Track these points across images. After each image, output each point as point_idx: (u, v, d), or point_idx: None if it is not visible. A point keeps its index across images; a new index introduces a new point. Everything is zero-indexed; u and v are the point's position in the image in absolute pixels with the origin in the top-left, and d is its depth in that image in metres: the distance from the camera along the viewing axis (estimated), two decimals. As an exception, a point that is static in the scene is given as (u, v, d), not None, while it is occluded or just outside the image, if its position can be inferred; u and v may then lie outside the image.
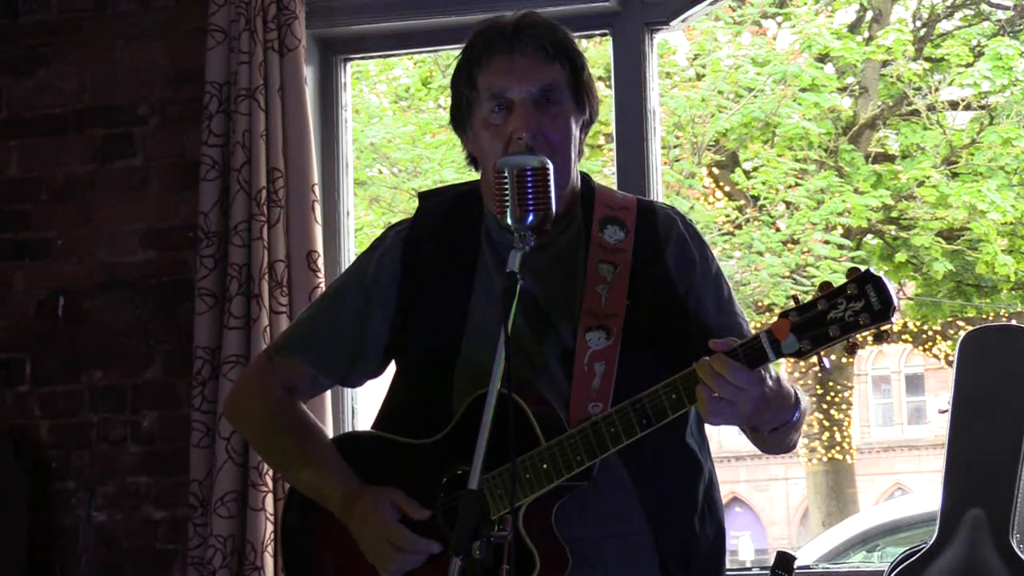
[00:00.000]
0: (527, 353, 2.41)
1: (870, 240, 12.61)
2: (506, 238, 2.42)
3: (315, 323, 2.63)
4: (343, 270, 4.15)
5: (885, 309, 2.12)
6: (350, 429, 4.09)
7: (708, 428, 2.50)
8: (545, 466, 2.32)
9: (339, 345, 2.58)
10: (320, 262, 3.95)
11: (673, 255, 2.48)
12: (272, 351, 2.69)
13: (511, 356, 2.13)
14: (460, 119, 2.52)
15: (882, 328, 2.14)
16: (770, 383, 2.24)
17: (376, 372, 2.63)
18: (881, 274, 2.14)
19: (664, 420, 2.29)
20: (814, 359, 2.21)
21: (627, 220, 2.50)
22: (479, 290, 2.47)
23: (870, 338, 2.19)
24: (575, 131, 2.47)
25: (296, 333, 2.67)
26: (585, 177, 2.57)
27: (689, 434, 2.48)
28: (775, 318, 2.21)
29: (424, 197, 2.64)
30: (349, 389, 4.07)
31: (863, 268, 2.16)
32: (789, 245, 11.82)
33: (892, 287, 2.13)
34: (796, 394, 2.33)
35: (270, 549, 3.82)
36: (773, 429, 2.33)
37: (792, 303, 2.21)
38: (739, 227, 11.97)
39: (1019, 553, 3.80)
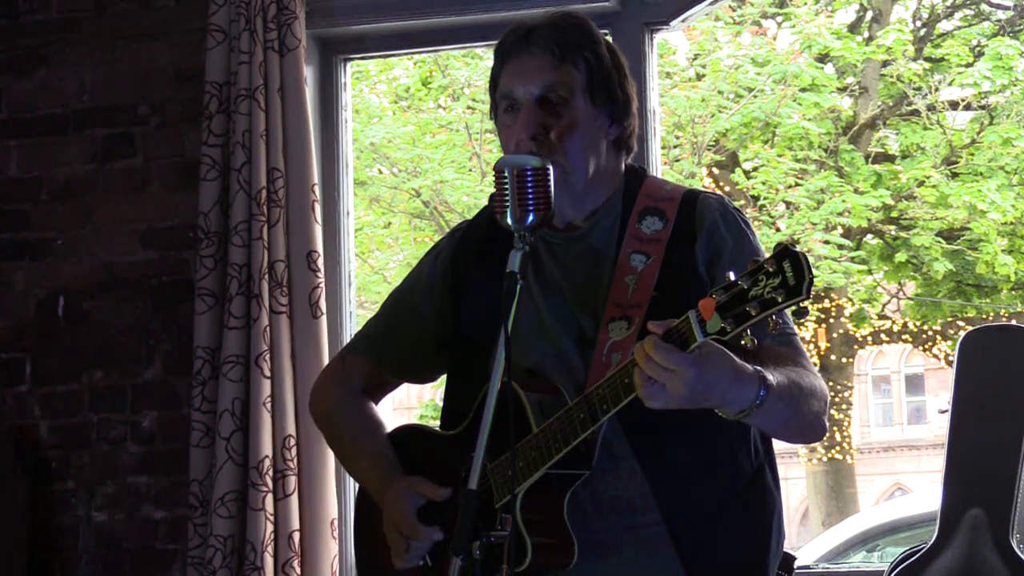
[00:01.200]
0: (549, 342, 2.45)
1: (870, 240, 12.61)
2: (548, 236, 2.48)
3: (379, 322, 2.73)
4: (343, 270, 4.20)
5: (799, 285, 2.04)
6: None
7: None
8: (534, 454, 2.33)
9: (399, 344, 2.67)
10: (320, 262, 3.95)
11: (703, 243, 2.45)
12: (345, 350, 2.82)
13: (510, 351, 2.16)
14: (495, 119, 2.56)
15: (801, 305, 2.05)
16: (712, 364, 2.15)
17: (440, 368, 2.69)
18: (798, 249, 2.06)
19: (619, 404, 2.24)
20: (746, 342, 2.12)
21: (668, 211, 2.48)
22: None
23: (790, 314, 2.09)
24: (593, 128, 2.47)
25: (364, 332, 2.76)
26: (633, 170, 2.57)
27: (725, 430, 2.38)
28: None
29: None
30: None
31: (784, 244, 2.08)
32: (789, 245, 11.80)
33: (808, 262, 2.04)
34: (760, 373, 2.22)
35: (270, 549, 3.82)
36: (741, 412, 2.22)
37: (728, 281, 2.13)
38: (739, 227, 11.96)
39: (1019, 553, 3.80)
